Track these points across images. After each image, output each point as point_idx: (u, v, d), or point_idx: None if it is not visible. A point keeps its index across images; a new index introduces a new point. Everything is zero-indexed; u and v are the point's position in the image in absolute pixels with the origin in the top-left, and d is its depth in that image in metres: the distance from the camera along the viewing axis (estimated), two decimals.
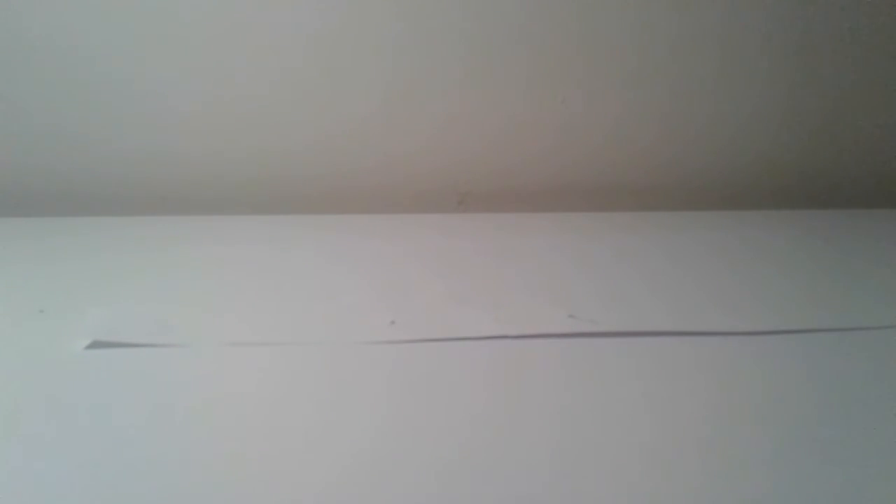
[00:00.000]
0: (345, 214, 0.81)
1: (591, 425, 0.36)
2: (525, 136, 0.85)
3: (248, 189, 0.83)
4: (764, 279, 0.60)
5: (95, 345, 0.45)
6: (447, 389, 0.40)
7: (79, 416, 0.37)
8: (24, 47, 0.77)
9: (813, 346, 0.46)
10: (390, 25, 0.80)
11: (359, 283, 0.58)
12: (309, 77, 0.81)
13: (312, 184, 0.83)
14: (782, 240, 0.74)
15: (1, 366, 0.43)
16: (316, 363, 0.43)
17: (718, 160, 0.88)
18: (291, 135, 0.82)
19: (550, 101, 0.84)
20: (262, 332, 0.47)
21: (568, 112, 0.85)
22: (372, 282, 0.58)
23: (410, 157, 0.84)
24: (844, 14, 0.84)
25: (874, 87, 0.87)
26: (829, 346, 0.46)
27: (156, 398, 0.39)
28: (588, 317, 0.49)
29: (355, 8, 0.79)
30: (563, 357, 0.44)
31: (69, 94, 0.78)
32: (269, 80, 0.81)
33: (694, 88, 0.86)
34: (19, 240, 0.70)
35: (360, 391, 0.40)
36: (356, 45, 0.81)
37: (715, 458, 0.33)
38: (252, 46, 0.80)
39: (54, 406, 0.38)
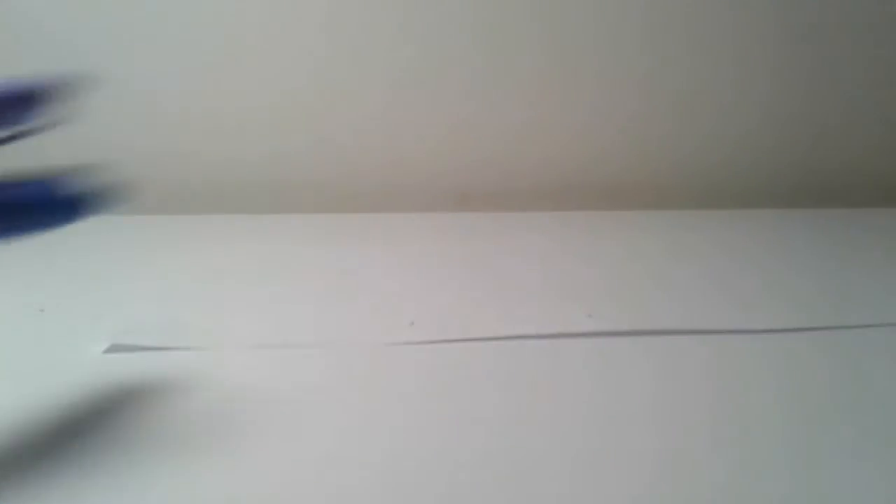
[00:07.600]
0: (354, 214, 0.80)
1: (616, 425, 0.35)
2: (533, 136, 0.85)
3: (251, 188, 0.82)
4: (778, 277, 0.59)
5: (114, 349, 0.43)
6: (471, 390, 0.39)
7: (83, 417, 0.36)
8: (21, 44, 0.75)
9: (828, 342, 0.45)
10: (392, 23, 0.80)
11: (374, 283, 0.57)
12: (312, 76, 0.81)
13: (325, 182, 0.83)
14: (796, 238, 0.73)
15: (0, 365, 0.42)
16: (339, 365, 0.42)
17: (728, 158, 0.88)
18: (292, 133, 0.82)
19: (558, 100, 0.84)
20: (282, 334, 0.46)
21: (576, 110, 0.84)
22: (388, 282, 0.57)
23: (414, 155, 0.84)
24: (854, 12, 0.84)
25: (883, 85, 0.87)
26: (842, 342, 0.45)
27: (173, 402, 0.38)
28: (606, 316, 0.48)
29: (357, 8, 0.79)
30: (583, 356, 0.43)
31: None
32: (272, 80, 0.80)
33: (703, 87, 0.85)
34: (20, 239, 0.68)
35: (385, 392, 0.39)
36: (358, 43, 0.80)
37: (734, 457, 0.32)
38: (254, 47, 0.79)
39: (53, 405, 0.37)
